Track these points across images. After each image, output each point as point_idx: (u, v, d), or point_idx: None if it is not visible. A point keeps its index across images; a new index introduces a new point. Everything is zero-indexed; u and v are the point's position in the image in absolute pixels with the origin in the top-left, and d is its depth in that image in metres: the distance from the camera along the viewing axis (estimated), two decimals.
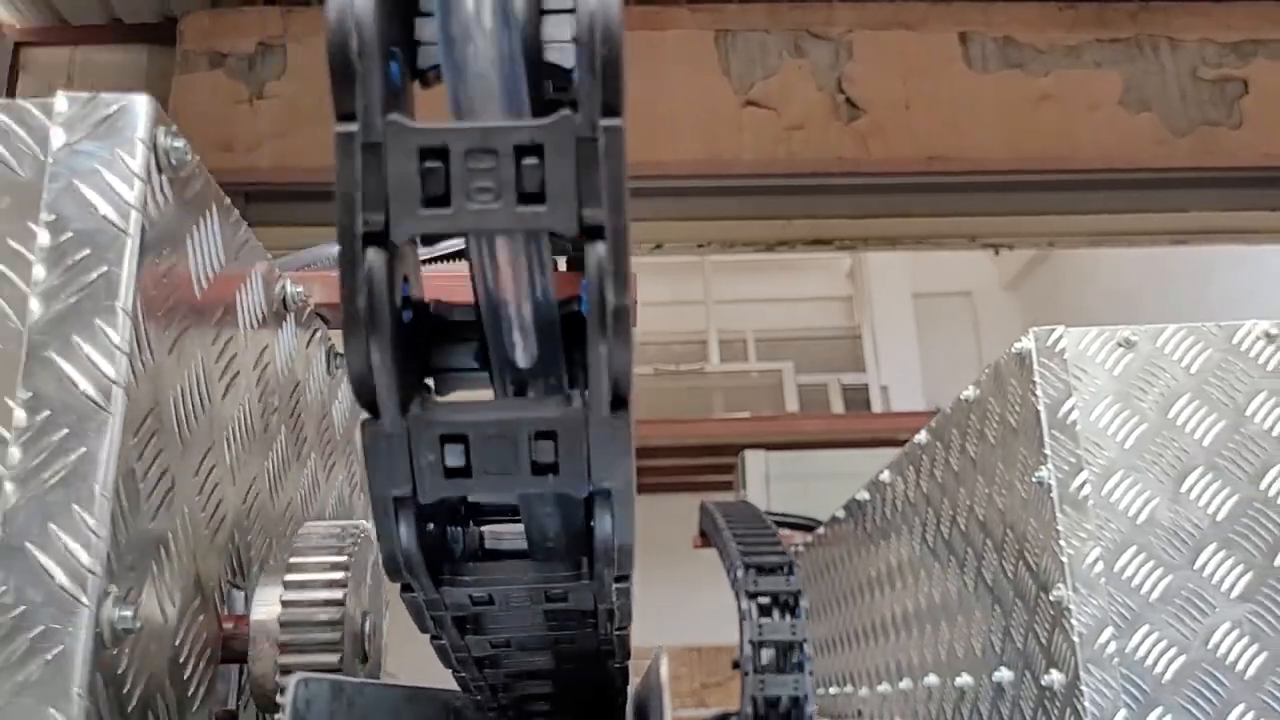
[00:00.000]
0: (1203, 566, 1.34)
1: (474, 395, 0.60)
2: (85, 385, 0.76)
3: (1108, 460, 1.37)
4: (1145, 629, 1.31)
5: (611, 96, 0.49)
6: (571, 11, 0.50)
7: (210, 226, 0.94)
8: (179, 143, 0.87)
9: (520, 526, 0.69)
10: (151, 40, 4.63)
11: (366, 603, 0.95)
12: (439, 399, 0.57)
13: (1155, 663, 1.31)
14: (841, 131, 4.44)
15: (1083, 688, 1.29)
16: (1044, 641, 1.38)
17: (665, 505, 8.87)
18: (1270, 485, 1.37)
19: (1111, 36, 4.64)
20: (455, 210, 0.49)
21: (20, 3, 4.53)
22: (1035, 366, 1.41)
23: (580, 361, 0.55)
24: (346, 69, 0.49)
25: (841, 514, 2.58)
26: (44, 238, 0.78)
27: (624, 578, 0.67)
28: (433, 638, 0.73)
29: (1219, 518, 1.35)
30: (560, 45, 0.51)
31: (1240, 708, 1.29)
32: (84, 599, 0.73)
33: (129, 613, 0.75)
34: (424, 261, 0.66)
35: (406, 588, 0.64)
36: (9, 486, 0.74)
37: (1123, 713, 1.28)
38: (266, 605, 0.89)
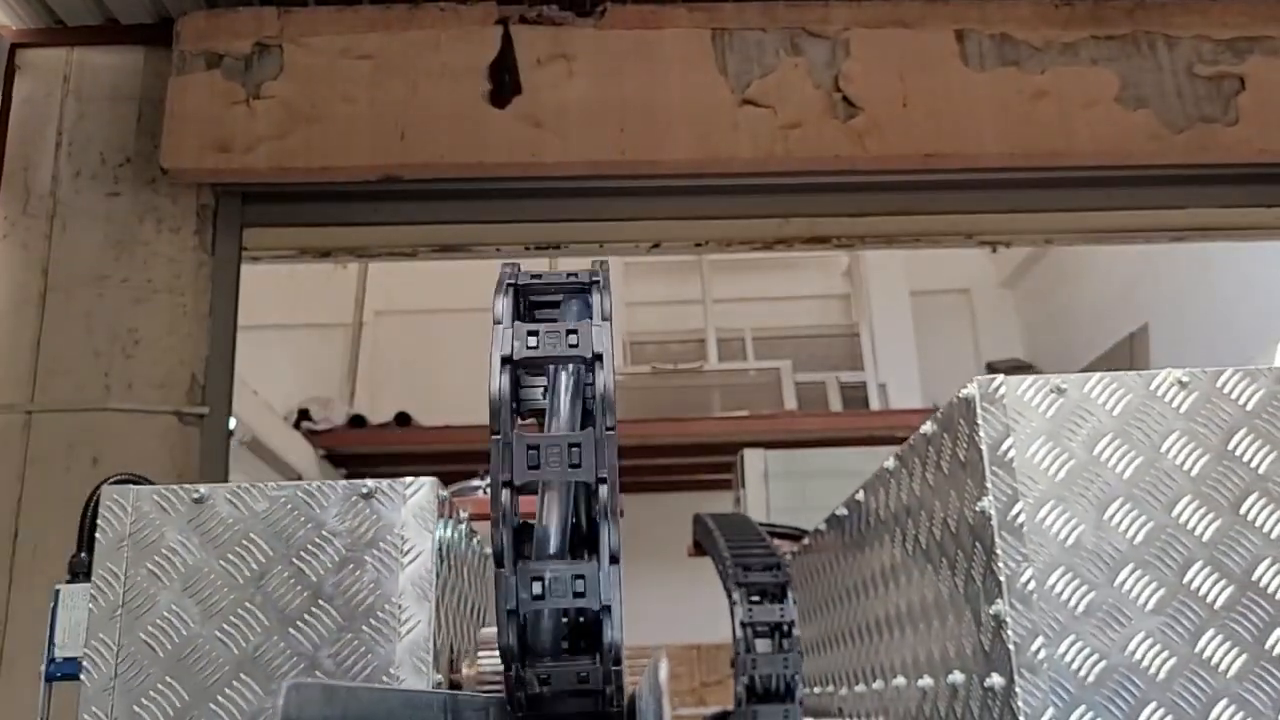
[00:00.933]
0: (1122, 584, 1.52)
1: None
2: (421, 592, 1.89)
3: (1040, 492, 1.58)
4: (1071, 638, 1.49)
5: (610, 421, 1.36)
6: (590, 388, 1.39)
7: (447, 506, 2.03)
8: (443, 491, 1.98)
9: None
10: (148, 41, 4.62)
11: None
12: (528, 559, 1.39)
13: (1080, 667, 1.48)
14: (838, 129, 4.44)
15: (1017, 689, 1.46)
16: (986, 649, 1.55)
17: (665, 504, 8.87)
18: (1181, 513, 1.55)
19: (1107, 34, 4.65)
20: (542, 470, 1.35)
21: (16, 4, 4.53)
22: (979, 410, 1.61)
23: (595, 539, 1.38)
24: (497, 414, 1.35)
25: (824, 526, 2.71)
26: (402, 535, 1.92)
27: (618, 660, 1.38)
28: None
29: (1136, 541, 1.54)
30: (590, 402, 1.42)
31: (1152, 705, 1.47)
32: (426, 672, 1.83)
33: (440, 676, 1.85)
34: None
35: (508, 666, 1.40)
36: (400, 630, 1.86)
37: (1050, 711, 1.45)
38: (469, 668, 1.83)
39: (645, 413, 9.85)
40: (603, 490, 1.32)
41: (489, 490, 1.36)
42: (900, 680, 1.97)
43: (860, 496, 2.33)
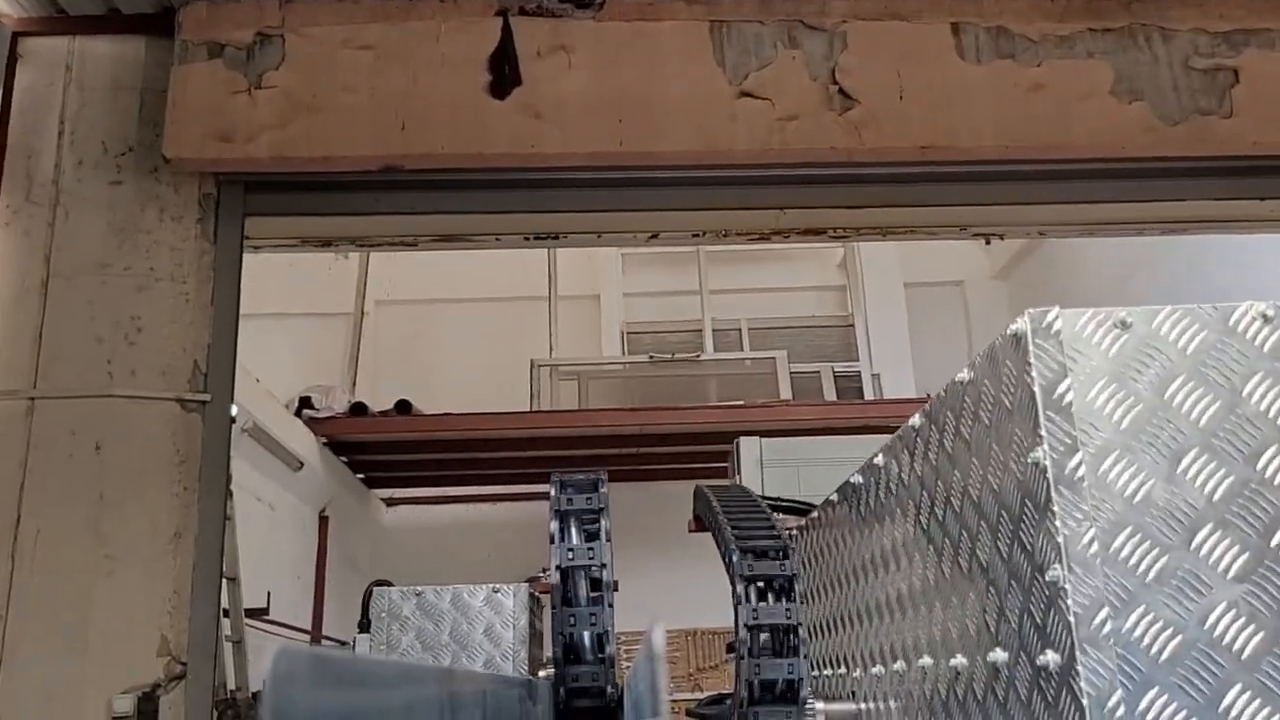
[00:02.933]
0: (1199, 547, 1.32)
1: None
2: None
3: (1103, 441, 1.35)
4: (1141, 609, 1.30)
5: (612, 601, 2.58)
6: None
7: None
8: None
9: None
10: (149, 31, 4.65)
11: None
12: None
13: (1151, 643, 1.29)
14: (835, 122, 4.48)
15: (1079, 668, 1.27)
16: (1040, 622, 1.36)
17: (661, 492, 8.92)
18: (1267, 466, 1.35)
19: (1103, 26, 4.67)
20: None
21: None
22: (1030, 347, 1.39)
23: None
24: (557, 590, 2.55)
25: (835, 498, 2.55)
26: None
27: None
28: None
29: (1215, 498, 1.33)
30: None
31: (1237, 688, 1.27)
32: None
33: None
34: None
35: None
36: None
37: (1119, 693, 1.26)
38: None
39: (642, 401, 9.89)
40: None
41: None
42: (926, 660, 1.79)
43: (879, 460, 2.15)
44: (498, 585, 4.91)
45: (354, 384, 10.37)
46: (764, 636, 2.58)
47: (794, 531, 3.07)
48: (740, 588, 2.61)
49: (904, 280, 11.03)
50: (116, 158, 4.52)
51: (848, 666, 2.41)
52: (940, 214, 4.96)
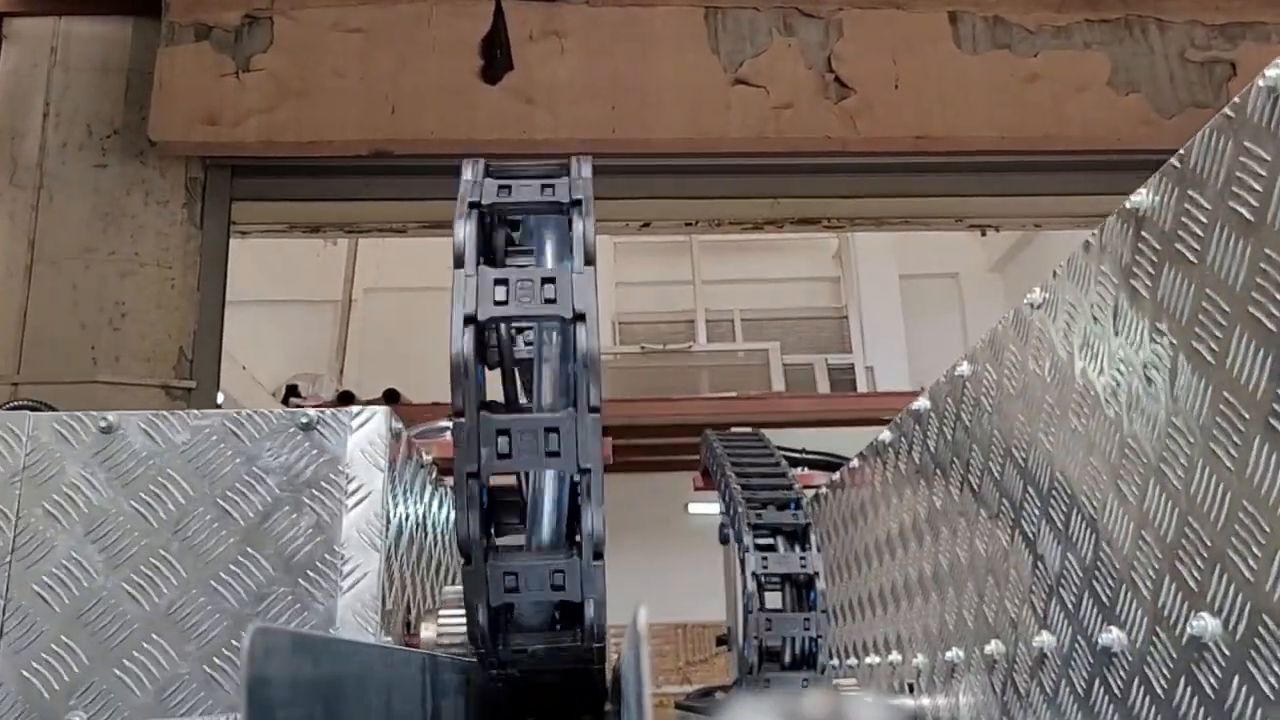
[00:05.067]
0: None
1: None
2: (367, 541, 1.62)
3: None
4: None
5: (594, 401, 1.10)
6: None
7: (403, 446, 1.77)
8: (398, 424, 1.71)
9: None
10: (137, 12, 4.58)
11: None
12: (500, 545, 1.22)
13: None
14: (830, 110, 4.44)
15: None
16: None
17: (652, 483, 8.89)
18: None
19: (1100, 17, 4.64)
20: (514, 460, 1.11)
21: None
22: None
23: (575, 530, 1.19)
24: (459, 386, 1.09)
25: (865, 457, 2.26)
26: (347, 474, 1.64)
27: (600, 637, 1.23)
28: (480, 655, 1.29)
29: None
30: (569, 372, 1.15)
31: None
32: (372, 633, 1.57)
33: (389, 639, 1.61)
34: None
35: (478, 647, 1.23)
36: (341, 584, 1.59)
37: None
38: (430, 631, 1.57)
39: (634, 392, 9.86)
40: (585, 481, 1.09)
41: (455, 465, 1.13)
42: (996, 645, 1.50)
43: (922, 405, 1.82)
44: (311, 413, 2.12)
45: (341, 372, 10.32)
46: (775, 592, 2.26)
47: (824, 490, 2.77)
48: (747, 537, 2.32)
49: (899, 272, 11.00)
50: (102, 140, 4.46)
51: (893, 652, 2.09)
52: (935, 204, 4.93)
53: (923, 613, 1.91)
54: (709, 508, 5.45)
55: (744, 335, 11.23)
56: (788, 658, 2.22)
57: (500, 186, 1.27)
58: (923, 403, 1.91)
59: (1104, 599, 1.23)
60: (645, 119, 4.41)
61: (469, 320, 1.10)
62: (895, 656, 2.09)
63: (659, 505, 9.31)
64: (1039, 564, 1.42)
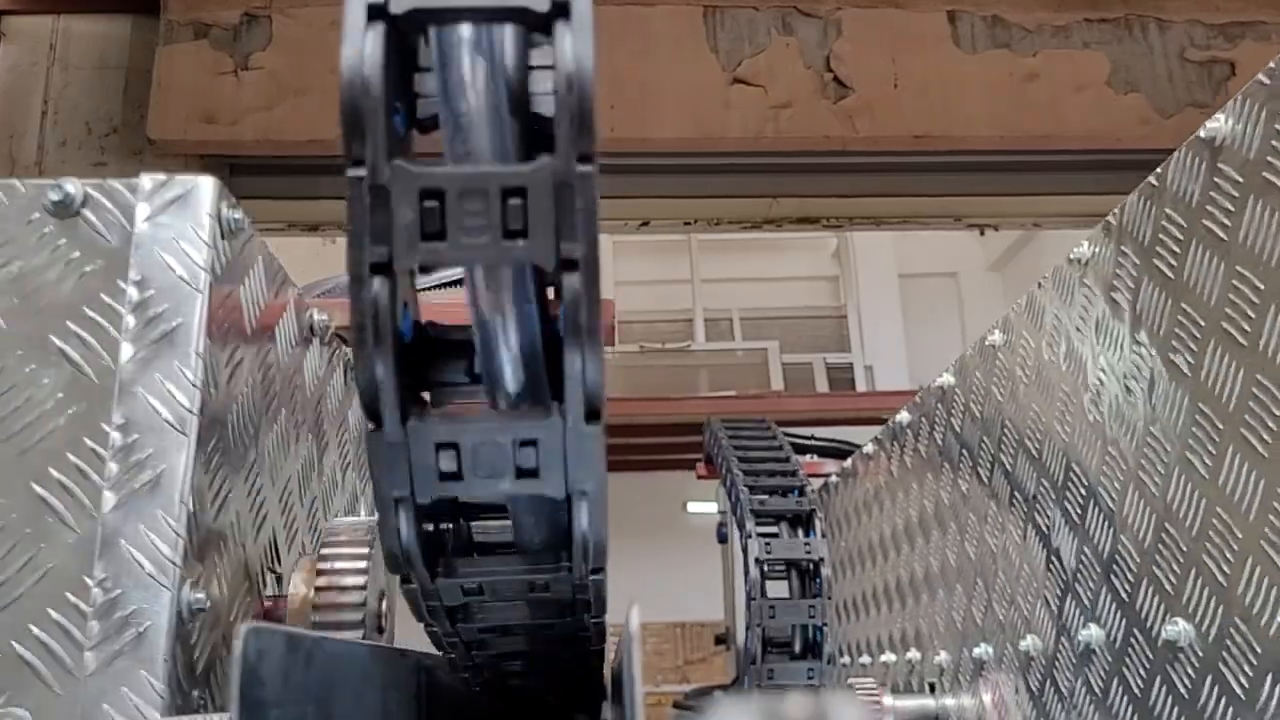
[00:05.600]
0: None
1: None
2: (167, 414, 0.96)
3: None
4: None
5: (585, 145, 0.58)
6: (550, 68, 0.57)
7: (258, 273, 1.14)
8: (238, 214, 1.06)
9: (506, 522, 0.80)
10: (135, 10, 4.58)
11: (382, 584, 1.09)
12: (435, 411, 0.66)
13: None
14: (829, 110, 4.44)
15: None
16: None
17: (650, 483, 8.89)
18: None
19: (1100, 17, 4.64)
20: (450, 244, 0.57)
21: None
22: None
23: (559, 379, 0.62)
24: (356, 121, 0.58)
25: (878, 442, 2.16)
26: (132, 294, 0.99)
27: (598, 570, 0.75)
28: (426, 626, 0.82)
29: None
30: (544, 96, 0.60)
31: None
32: (167, 584, 0.92)
33: (201, 595, 0.95)
34: (433, 287, 0.83)
35: (405, 579, 0.72)
36: (107, 494, 0.94)
37: None
38: (299, 588, 1.03)
39: (631, 392, 9.86)
40: (571, 281, 0.59)
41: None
42: (1032, 641, 1.39)
43: (947, 380, 1.69)
44: (71, 185, 1.08)
45: None
46: (779, 578, 2.16)
47: (834, 478, 2.69)
48: (750, 523, 2.22)
49: (898, 271, 11.00)
50: (101, 139, 4.46)
51: (911, 649, 1.98)
52: (934, 204, 4.93)
53: (945, 607, 1.78)
54: (708, 506, 5.44)
55: (743, 334, 11.22)
56: (792, 647, 2.15)
57: None
58: (946, 378, 1.78)
59: (1168, 587, 1.10)
60: (644, 118, 4.40)
61: (376, 13, 0.57)
62: (914, 654, 1.96)
63: (657, 504, 9.31)
64: (1084, 550, 1.27)
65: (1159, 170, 1.20)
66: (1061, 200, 4.89)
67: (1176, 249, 1.13)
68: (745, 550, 2.14)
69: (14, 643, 0.89)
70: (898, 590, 2.10)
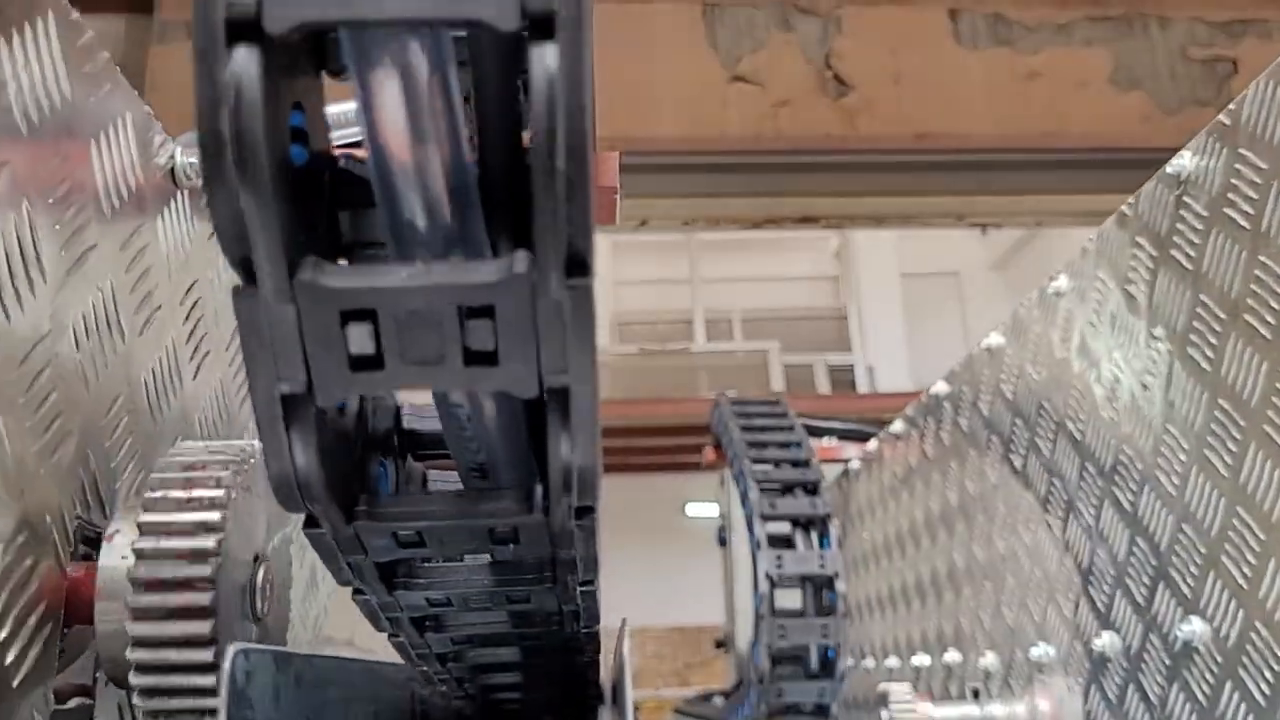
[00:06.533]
0: None
1: None
2: None
3: None
4: None
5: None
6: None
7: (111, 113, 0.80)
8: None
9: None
10: (128, 9, 4.54)
11: (261, 545, 0.76)
12: (341, 265, 0.41)
13: None
14: (829, 108, 4.40)
15: None
16: None
17: (649, 485, 8.86)
18: None
19: (1102, 14, 4.61)
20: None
21: None
22: None
23: (526, 214, 0.39)
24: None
25: (908, 422, 2.00)
26: None
27: (587, 510, 0.51)
28: (390, 635, 0.66)
29: None
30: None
31: None
32: None
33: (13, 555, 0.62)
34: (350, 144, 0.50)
35: (310, 521, 0.48)
36: None
37: None
38: (117, 553, 0.69)
39: (632, 393, 9.82)
40: (545, 55, 0.35)
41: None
42: (1108, 640, 1.21)
43: (996, 341, 1.51)
44: None
45: None
46: (790, 591, 2.00)
47: (855, 464, 2.51)
48: (759, 529, 2.03)
49: (900, 271, 10.97)
50: None
51: (949, 650, 1.78)
52: (936, 202, 4.89)
53: (993, 601, 1.55)
54: (708, 509, 5.40)
55: (743, 334, 11.19)
56: (805, 666, 2.02)
57: None
58: (995, 338, 1.55)
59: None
60: (643, 116, 4.37)
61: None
62: (953, 656, 1.74)
63: (657, 505, 9.27)
64: (1183, 527, 1.07)
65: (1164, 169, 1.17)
66: (1064, 199, 4.85)
67: (1197, 239, 1.09)
68: (755, 561, 1.99)
69: None
70: (932, 584, 1.88)
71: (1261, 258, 0.95)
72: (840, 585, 1.96)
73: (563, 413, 0.43)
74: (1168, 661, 1.08)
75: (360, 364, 0.40)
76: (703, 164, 4.57)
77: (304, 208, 0.41)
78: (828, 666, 1.99)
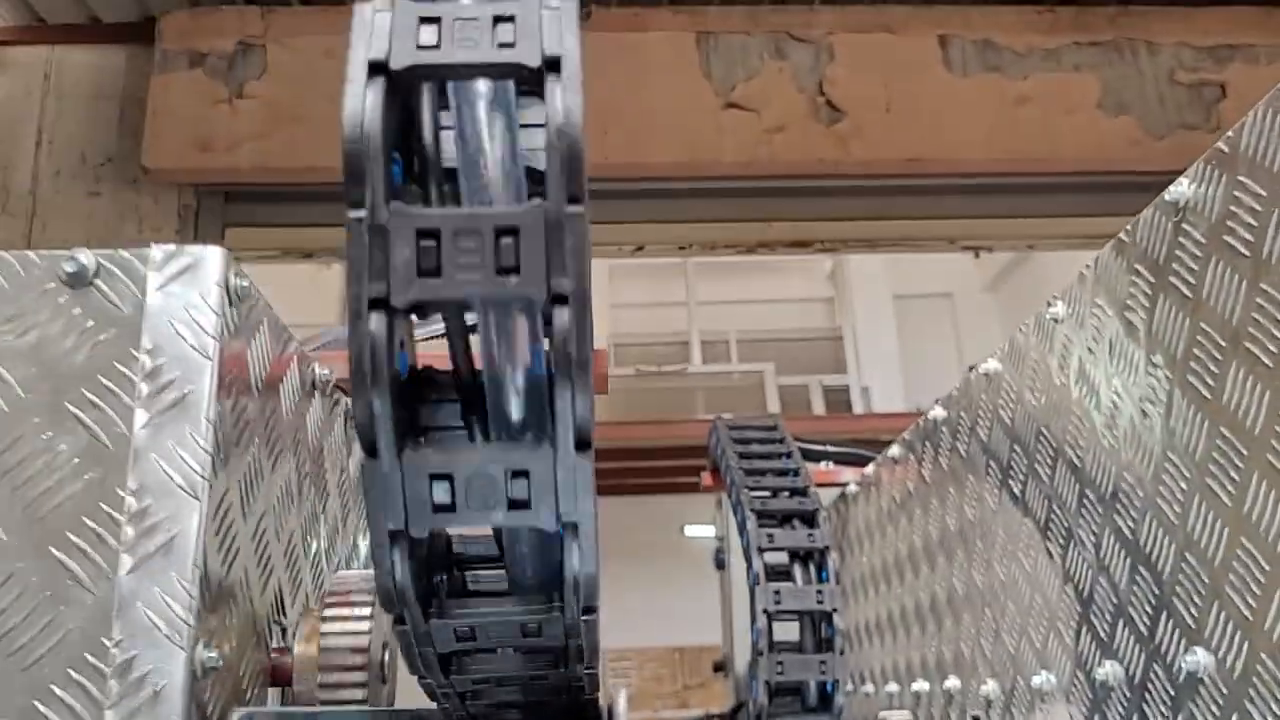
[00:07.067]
0: None
1: None
2: (179, 478, 0.99)
3: None
4: None
5: (575, 188, 0.62)
6: (543, 126, 0.62)
7: (263, 335, 1.19)
8: (245, 281, 1.10)
9: (498, 572, 0.82)
10: (130, 40, 4.60)
11: (385, 634, 1.12)
12: (429, 445, 0.68)
13: None
14: (822, 134, 4.45)
15: None
16: None
17: (647, 506, 8.87)
18: None
19: (1090, 40, 4.67)
20: (445, 280, 0.61)
21: None
22: None
23: (550, 411, 0.65)
24: (356, 168, 0.62)
25: (905, 446, 2.00)
26: (145, 362, 1.02)
27: (590, 610, 0.75)
28: (420, 676, 0.81)
29: None
30: (535, 151, 0.65)
31: None
32: (181, 644, 0.95)
33: (214, 653, 0.97)
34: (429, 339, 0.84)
35: (399, 619, 0.72)
36: (124, 558, 0.97)
37: None
38: (307, 640, 1.08)
39: (628, 415, 9.85)
40: (562, 315, 0.63)
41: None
42: (1111, 669, 1.23)
43: (991, 367, 1.52)
44: (84, 256, 1.09)
45: None
46: (788, 626, 2.04)
47: (852, 488, 2.54)
48: (757, 562, 2.07)
49: (893, 292, 11.02)
50: (95, 168, 4.46)
51: (949, 677, 1.80)
52: (928, 226, 4.94)
53: (994, 627, 1.58)
54: (706, 530, 5.42)
55: (739, 356, 11.23)
56: (802, 702, 2.00)
57: None
58: (991, 364, 1.59)
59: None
60: (638, 143, 4.42)
61: (377, 69, 0.62)
62: (953, 682, 1.76)
63: (655, 527, 9.28)
64: (1186, 556, 1.08)
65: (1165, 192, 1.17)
66: (1055, 222, 4.90)
67: (1195, 267, 1.10)
68: (752, 596, 2.00)
69: (36, 702, 0.93)
70: (932, 610, 1.91)
71: (1263, 285, 0.97)
72: (839, 620, 1.97)
73: (574, 539, 0.68)
74: (1172, 692, 1.08)
75: (439, 509, 0.64)
76: (698, 189, 4.62)
77: (405, 405, 0.67)
78: (826, 700, 1.97)
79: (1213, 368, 1.04)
